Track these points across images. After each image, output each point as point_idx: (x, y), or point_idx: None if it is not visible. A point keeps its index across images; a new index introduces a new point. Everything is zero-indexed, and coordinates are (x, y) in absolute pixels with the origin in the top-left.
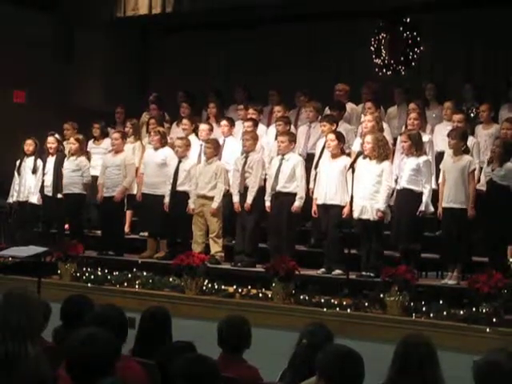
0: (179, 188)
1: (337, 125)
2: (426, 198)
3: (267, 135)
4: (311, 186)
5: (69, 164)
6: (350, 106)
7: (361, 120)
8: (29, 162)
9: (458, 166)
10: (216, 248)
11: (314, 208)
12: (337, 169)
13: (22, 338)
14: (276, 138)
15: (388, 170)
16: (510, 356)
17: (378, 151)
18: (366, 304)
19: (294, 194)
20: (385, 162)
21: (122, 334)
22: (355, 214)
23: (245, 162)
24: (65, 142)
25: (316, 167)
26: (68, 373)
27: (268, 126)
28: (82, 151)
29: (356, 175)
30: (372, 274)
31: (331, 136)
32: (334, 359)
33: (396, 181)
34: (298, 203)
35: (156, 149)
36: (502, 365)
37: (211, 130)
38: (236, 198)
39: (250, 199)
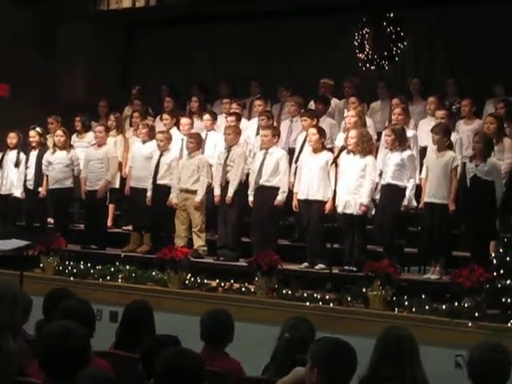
0: (160, 181)
1: (318, 119)
2: (409, 192)
3: (248, 129)
4: (292, 179)
5: (59, 158)
6: (333, 101)
7: (344, 115)
8: (11, 156)
9: (441, 162)
10: (199, 242)
11: (295, 202)
12: (318, 164)
13: (4, 332)
14: (258, 132)
15: (371, 164)
16: (503, 351)
17: (361, 146)
18: (349, 298)
19: (278, 188)
20: (368, 156)
21: (90, 328)
22: (339, 209)
23: (227, 156)
24: (48, 136)
25: (296, 161)
26: (41, 367)
27: (249, 118)
28: (69, 144)
29: (339, 170)
30: (355, 269)
31: (312, 130)
32: (330, 349)
33: (380, 175)
34: (281, 197)
35: (144, 142)
36: (498, 361)
37: (192, 124)
38: (217, 191)
39: (231, 192)
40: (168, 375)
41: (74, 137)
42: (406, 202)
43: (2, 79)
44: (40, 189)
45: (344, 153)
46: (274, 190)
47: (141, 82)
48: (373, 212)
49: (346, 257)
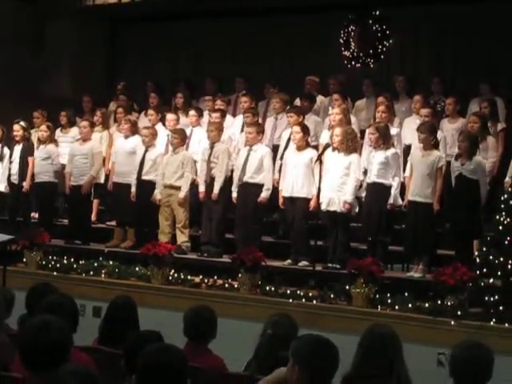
0: (145, 177)
1: (303, 116)
2: (394, 190)
3: (233, 126)
4: (276, 176)
5: (39, 152)
6: (319, 98)
7: (329, 112)
8: None
9: (427, 161)
10: (182, 238)
11: (281, 200)
12: (303, 161)
13: None
14: (243, 129)
15: (356, 162)
16: (485, 350)
17: (346, 144)
18: (332, 296)
19: (261, 185)
20: (353, 154)
21: (73, 323)
22: (323, 206)
23: (210, 153)
24: (33, 130)
25: (281, 158)
26: (22, 361)
27: (233, 114)
28: (51, 139)
29: (324, 167)
30: (338, 266)
31: (296, 128)
32: (311, 346)
33: (364, 173)
34: (264, 194)
35: (126, 137)
36: (480, 359)
37: (178, 120)
38: (202, 188)
39: (216, 189)
40: (150, 371)
41: (58, 132)
42: (391, 201)
43: None
44: (24, 183)
45: (329, 150)
46: (258, 187)
47: (126, 78)
48: (356, 210)
49: (330, 254)
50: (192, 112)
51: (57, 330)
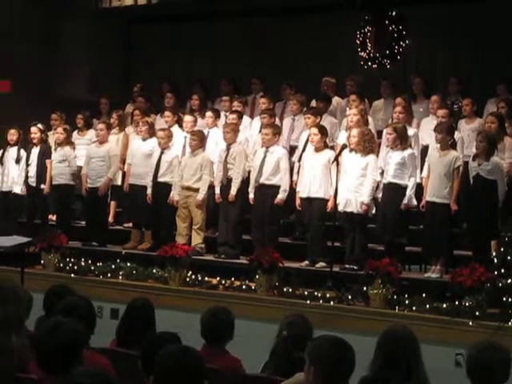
0: (160, 179)
1: (321, 117)
2: (409, 191)
3: (251, 127)
4: (294, 178)
5: (55, 155)
6: (335, 99)
7: (346, 113)
8: (12, 152)
9: (444, 161)
10: (197, 240)
11: (298, 201)
12: (320, 162)
13: (7, 330)
14: (260, 131)
15: (373, 163)
16: (502, 350)
17: (363, 145)
18: (350, 297)
19: (278, 187)
20: (370, 155)
21: (91, 325)
22: (340, 207)
23: (227, 154)
24: (50, 132)
25: (299, 160)
26: (37, 361)
27: (251, 115)
28: (68, 141)
29: (341, 168)
30: (355, 267)
31: (314, 130)
32: (327, 347)
33: (381, 174)
34: (281, 196)
35: (144, 139)
36: (496, 359)
37: (195, 121)
38: (218, 190)
39: (234, 190)
40: (168, 372)
41: (74, 134)
42: (405, 201)
43: (4, 75)
44: (42, 185)
45: (346, 151)
46: (275, 189)
47: (142, 80)
48: (373, 211)
49: (347, 255)
50: (209, 113)
51: (68, 331)
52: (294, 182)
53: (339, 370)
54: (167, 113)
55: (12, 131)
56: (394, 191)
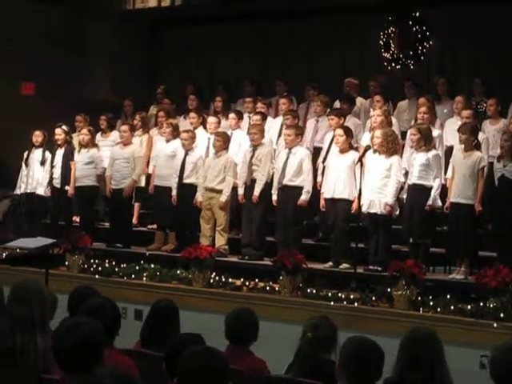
0: (186, 180)
1: (344, 119)
2: (434, 192)
3: (272, 128)
4: (319, 179)
5: (81, 157)
6: (359, 100)
7: (370, 114)
8: (37, 154)
9: (468, 162)
10: (221, 241)
11: (323, 202)
12: (345, 163)
13: (32, 331)
14: (281, 132)
15: (397, 164)
16: None
17: (386, 146)
18: (373, 298)
19: (301, 188)
20: (394, 156)
21: (115, 327)
22: (364, 208)
23: (252, 155)
24: (74, 134)
25: (324, 161)
26: (56, 361)
27: (275, 117)
28: (93, 143)
29: (365, 169)
30: (379, 268)
31: (339, 131)
32: (355, 349)
33: (405, 175)
34: (304, 197)
35: (168, 141)
36: None
37: (219, 122)
38: (241, 190)
39: (257, 191)
40: (192, 374)
41: (98, 136)
42: (430, 202)
43: (29, 78)
44: (67, 187)
45: (370, 152)
46: (298, 190)
47: (165, 81)
48: (397, 212)
49: (371, 256)
50: (232, 115)
51: (85, 331)
52: (319, 183)
53: (366, 372)
54: (192, 114)
55: (37, 133)
56: (418, 192)
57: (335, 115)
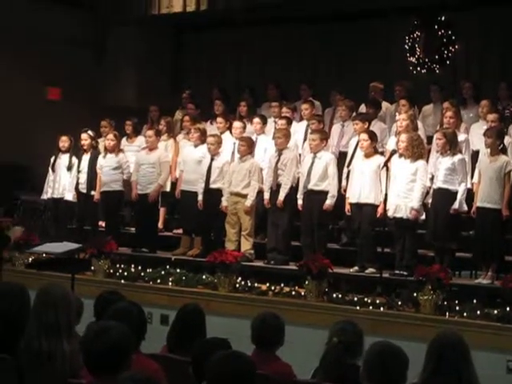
0: (212, 185)
1: (369, 123)
2: (460, 196)
3: (297, 132)
4: (344, 184)
5: (108, 161)
6: (384, 104)
7: (395, 118)
8: (64, 159)
9: (494, 166)
10: (246, 246)
11: (348, 207)
12: (370, 168)
13: (58, 335)
14: (306, 136)
15: (422, 168)
16: None
17: (412, 150)
18: (399, 303)
19: (326, 192)
20: (419, 160)
21: (141, 331)
22: (389, 213)
23: (278, 160)
24: (100, 139)
25: (349, 165)
26: (85, 365)
27: (300, 121)
28: (119, 148)
29: (390, 174)
30: (405, 273)
31: (364, 136)
32: (378, 354)
33: (431, 179)
34: (329, 201)
35: (196, 146)
36: None
37: (244, 127)
38: (266, 195)
39: (282, 196)
40: (219, 378)
41: (123, 141)
42: (456, 206)
43: (54, 83)
44: (93, 192)
45: (395, 156)
46: (323, 194)
47: (191, 86)
48: (423, 216)
49: (397, 261)
50: (256, 120)
51: (115, 335)
52: (343, 188)
53: (390, 377)
54: (219, 119)
55: (63, 138)
56: (444, 197)
57: (360, 120)
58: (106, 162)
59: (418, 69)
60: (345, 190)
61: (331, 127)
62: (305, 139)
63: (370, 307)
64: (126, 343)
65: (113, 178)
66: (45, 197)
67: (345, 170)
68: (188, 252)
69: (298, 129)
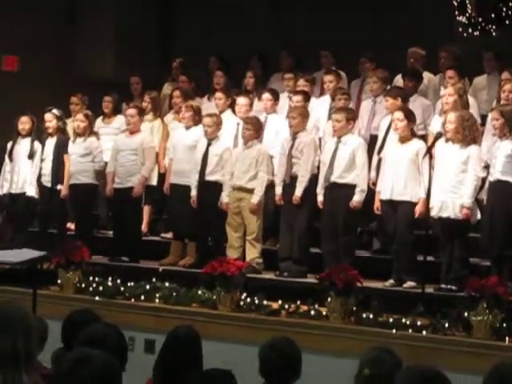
0: (209, 177)
1: (404, 99)
2: None
3: (317, 110)
4: (373, 175)
5: (76, 147)
6: (426, 75)
7: (440, 93)
8: (24, 145)
9: None
10: (253, 253)
11: (377, 204)
12: (407, 155)
13: (16, 366)
14: (330, 116)
15: (476, 156)
16: None
17: (462, 133)
18: (446, 325)
19: (354, 186)
20: (472, 146)
21: (121, 361)
22: (433, 212)
23: (292, 145)
24: (69, 120)
25: (379, 152)
26: None
27: (320, 97)
28: (91, 131)
29: (435, 163)
30: (454, 287)
31: (398, 115)
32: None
33: (486, 169)
34: (358, 197)
35: (188, 128)
36: None
37: (251, 104)
38: (278, 190)
39: (299, 191)
40: None
41: (98, 121)
42: None
43: (9, 50)
44: (59, 186)
45: (441, 141)
46: (350, 189)
47: (182, 53)
48: (478, 216)
49: (443, 272)
50: (266, 95)
51: (100, 366)
52: (372, 181)
53: None
54: (218, 94)
55: (23, 119)
56: (502, 191)
57: (390, 96)
58: (73, 149)
59: (470, 30)
60: (374, 184)
61: (359, 104)
62: (328, 119)
63: (410, 330)
64: (112, 377)
65: (80, 168)
66: (0, 192)
67: (374, 158)
68: (179, 261)
69: (319, 106)
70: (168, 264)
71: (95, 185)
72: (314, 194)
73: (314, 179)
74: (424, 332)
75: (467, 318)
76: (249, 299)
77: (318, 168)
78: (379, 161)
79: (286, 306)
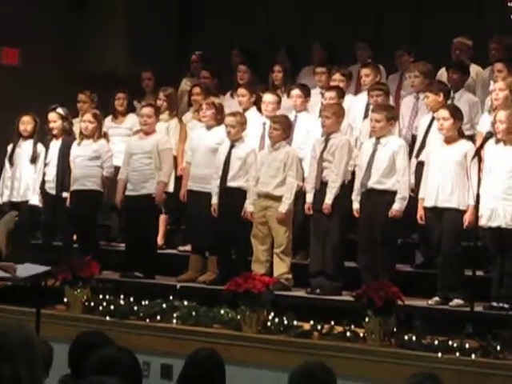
0: (232, 183)
1: (446, 95)
2: None
3: (354, 109)
4: (412, 180)
5: (83, 150)
6: (474, 68)
7: (490, 88)
8: (25, 148)
9: None
10: (282, 268)
11: (421, 212)
12: (453, 158)
13: None
14: (367, 114)
15: None
16: None
17: None
18: (498, 347)
19: (394, 193)
20: None
21: None
22: (483, 221)
23: (324, 147)
24: (76, 120)
25: (418, 155)
26: None
27: (356, 93)
28: (100, 133)
29: (484, 166)
30: (506, 305)
31: (443, 113)
32: None
33: None
34: (398, 205)
35: (209, 128)
36: None
37: (279, 102)
38: (309, 197)
39: (329, 198)
40: None
41: (107, 121)
42: None
43: (10, 42)
44: (65, 194)
45: (491, 142)
46: (389, 196)
47: (202, 45)
48: None
49: (494, 289)
50: (296, 91)
51: None
52: (411, 187)
53: None
54: (242, 90)
55: (26, 119)
56: None
57: (430, 91)
58: (79, 151)
59: None
60: (412, 190)
61: (398, 101)
62: (364, 117)
63: (457, 354)
64: None
65: (87, 173)
66: (0, 201)
67: (413, 162)
68: (199, 277)
69: (355, 104)
70: (186, 280)
71: (101, 192)
72: (347, 202)
73: (347, 185)
74: (473, 356)
75: None
76: (277, 319)
77: (353, 173)
78: (417, 165)
79: (319, 327)
